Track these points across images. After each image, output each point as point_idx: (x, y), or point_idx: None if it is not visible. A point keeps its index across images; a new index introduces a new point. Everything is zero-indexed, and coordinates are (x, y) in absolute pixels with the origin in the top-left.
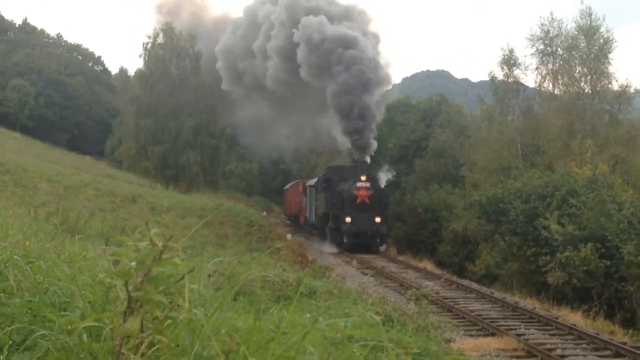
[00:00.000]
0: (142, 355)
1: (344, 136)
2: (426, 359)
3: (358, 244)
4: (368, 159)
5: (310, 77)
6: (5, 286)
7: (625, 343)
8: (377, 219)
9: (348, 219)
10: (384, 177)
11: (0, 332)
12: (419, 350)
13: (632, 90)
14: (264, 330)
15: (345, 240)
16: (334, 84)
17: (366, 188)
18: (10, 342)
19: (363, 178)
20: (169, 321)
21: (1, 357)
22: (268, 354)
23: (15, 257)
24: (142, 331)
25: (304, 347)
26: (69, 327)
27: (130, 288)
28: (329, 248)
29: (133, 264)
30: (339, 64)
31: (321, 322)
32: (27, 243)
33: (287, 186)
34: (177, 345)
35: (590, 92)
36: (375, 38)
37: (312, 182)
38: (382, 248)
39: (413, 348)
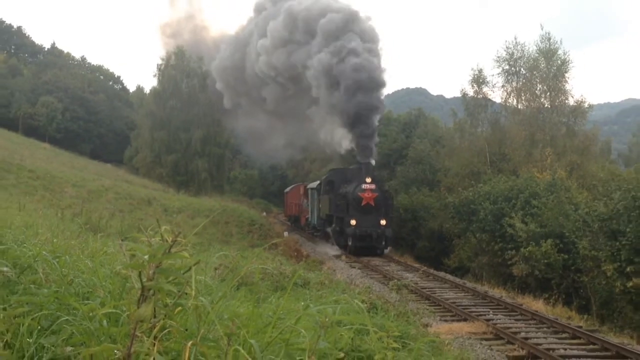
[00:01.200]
0: (155, 338)
1: (346, 138)
2: (405, 341)
3: (363, 247)
4: (373, 161)
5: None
6: (35, 278)
7: (580, 327)
8: (383, 222)
9: (353, 222)
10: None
11: (29, 319)
12: (400, 333)
13: (586, 105)
14: (262, 315)
15: (349, 243)
16: (338, 87)
17: (371, 190)
18: (39, 327)
19: (368, 180)
20: (178, 308)
21: (30, 340)
22: (265, 336)
23: (44, 252)
24: (154, 316)
25: (297, 330)
26: (91, 313)
27: (143, 278)
28: (333, 250)
29: (146, 257)
30: (342, 62)
31: (312, 308)
32: (54, 240)
33: (288, 189)
34: (186, 329)
35: (549, 106)
36: (375, 42)
37: (314, 184)
38: (387, 251)
39: (394, 332)
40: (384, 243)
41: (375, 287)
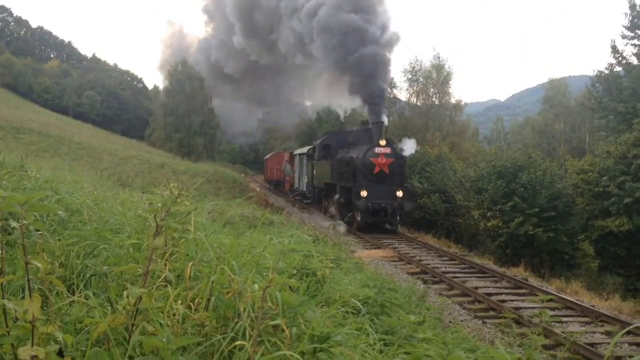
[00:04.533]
0: (166, 260)
1: (352, 95)
2: (338, 262)
3: (374, 223)
4: (386, 120)
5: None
6: (81, 218)
7: (456, 253)
8: (399, 193)
9: (364, 193)
10: (412, 144)
11: (77, 247)
12: (334, 257)
13: (462, 103)
14: (240, 245)
15: (359, 218)
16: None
17: (386, 154)
18: (84, 253)
19: (382, 142)
20: (182, 239)
21: (78, 262)
22: (242, 259)
23: (88, 200)
24: (165, 245)
25: (264, 255)
26: (121, 243)
27: (158, 219)
28: (339, 226)
29: (159, 204)
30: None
31: (274, 240)
32: (95, 192)
33: (268, 156)
34: (187, 254)
35: (438, 104)
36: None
37: (304, 149)
38: (399, 228)
39: (331, 256)
40: (398, 218)
41: (319, 226)
